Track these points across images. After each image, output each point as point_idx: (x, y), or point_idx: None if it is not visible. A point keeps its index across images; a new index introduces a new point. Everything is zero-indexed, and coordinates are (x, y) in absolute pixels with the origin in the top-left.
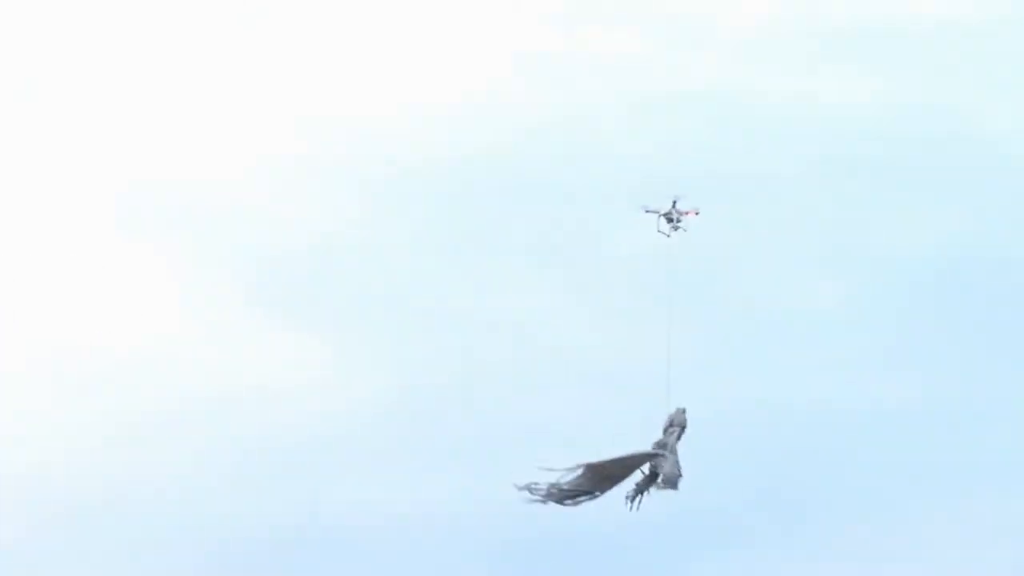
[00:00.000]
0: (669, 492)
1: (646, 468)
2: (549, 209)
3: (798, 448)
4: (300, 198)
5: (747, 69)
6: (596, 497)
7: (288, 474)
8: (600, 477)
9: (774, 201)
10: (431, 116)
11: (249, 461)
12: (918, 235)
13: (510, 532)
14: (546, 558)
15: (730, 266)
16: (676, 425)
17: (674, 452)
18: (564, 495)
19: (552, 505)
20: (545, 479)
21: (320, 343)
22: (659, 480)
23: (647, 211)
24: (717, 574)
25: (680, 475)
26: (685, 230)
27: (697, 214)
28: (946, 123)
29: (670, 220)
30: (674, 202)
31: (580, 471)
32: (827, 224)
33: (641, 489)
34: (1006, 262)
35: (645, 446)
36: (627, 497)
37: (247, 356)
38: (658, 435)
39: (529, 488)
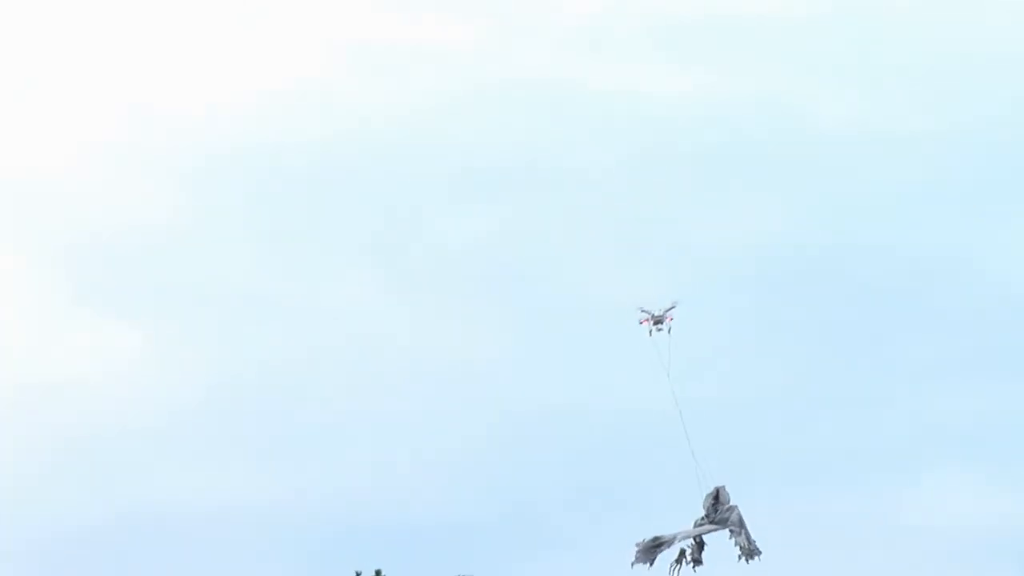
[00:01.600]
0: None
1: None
2: (379, 199)
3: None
4: (118, 186)
5: (577, 61)
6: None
7: (105, 464)
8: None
9: (592, 191)
10: (263, 105)
11: (65, 451)
12: (736, 227)
13: (329, 524)
14: (365, 549)
15: (551, 255)
16: (725, 502)
17: (743, 526)
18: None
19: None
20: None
21: (137, 332)
22: (739, 553)
23: (642, 311)
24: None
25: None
26: (669, 331)
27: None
28: (771, 116)
29: (658, 322)
30: (668, 308)
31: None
32: (643, 215)
33: (682, 557)
34: (827, 252)
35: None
36: (673, 563)
37: (62, 344)
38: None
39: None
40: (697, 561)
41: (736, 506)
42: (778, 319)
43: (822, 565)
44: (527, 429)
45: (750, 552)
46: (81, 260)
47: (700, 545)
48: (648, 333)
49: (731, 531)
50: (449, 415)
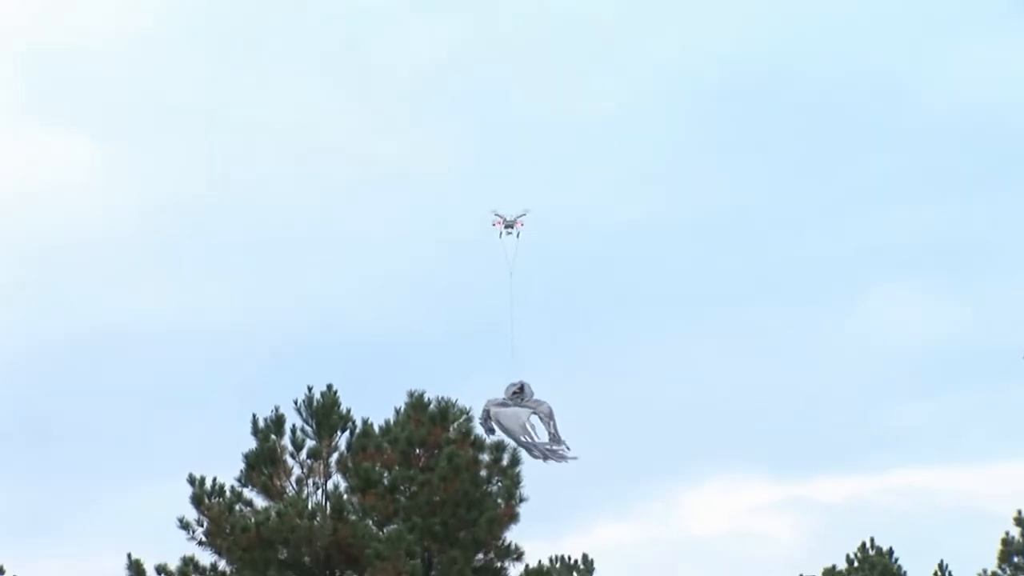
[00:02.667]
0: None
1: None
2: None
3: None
4: None
5: None
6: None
7: (55, 280)
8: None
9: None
10: None
11: (17, 266)
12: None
13: (282, 339)
14: (318, 364)
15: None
16: (529, 396)
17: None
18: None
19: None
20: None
21: (87, 144)
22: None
23: (496, 214)
24: None
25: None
26: (518, 236)
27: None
28: None
29: (509, 226)
30: (520, 215)
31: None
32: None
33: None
34: (771, 71)
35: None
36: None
37: (8, 156)
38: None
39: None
40: None
41: (546, 401)
42: (723, 139)
43: (770, 378)
44: (480, 243)
45: (556, 446)
46: (31, 69)
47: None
48: (499, 235)
49: (540, 417)
50: (403, 230)
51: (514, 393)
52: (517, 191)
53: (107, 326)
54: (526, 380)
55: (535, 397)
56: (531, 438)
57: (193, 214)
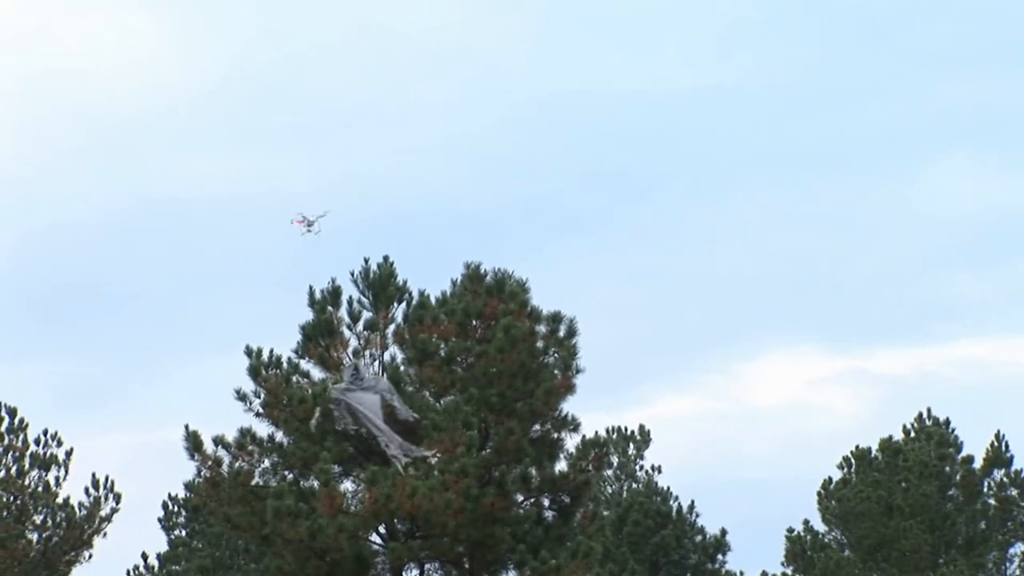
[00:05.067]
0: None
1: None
2: None
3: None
4: None
5: None
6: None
7: (122, 150)
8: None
9: None
10: None
11: (84, 137)
12: None
13: (341, 210)
14: (376, 236)
15: None
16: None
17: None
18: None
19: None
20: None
21: (147, 20)
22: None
23: (301, 214)
24: None
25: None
26: (317, 232)
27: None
28: None
29: (310, 225)
30: (320, 216)
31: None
32: None
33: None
34: None
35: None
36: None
37: (68, 32)
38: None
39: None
40: None
41: (382, 378)
42: (786, 8)
43: (831, 249)
44: (540, 114)
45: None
46: None
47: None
48: (300, 233)
49: (383, 395)
50: (463, 102)
51: (352, 375)
52: (579, 62)
53: (170, 198)
54: (358, 361)
55: (370, 375)
56: (382, 429)
57: (256, 87)
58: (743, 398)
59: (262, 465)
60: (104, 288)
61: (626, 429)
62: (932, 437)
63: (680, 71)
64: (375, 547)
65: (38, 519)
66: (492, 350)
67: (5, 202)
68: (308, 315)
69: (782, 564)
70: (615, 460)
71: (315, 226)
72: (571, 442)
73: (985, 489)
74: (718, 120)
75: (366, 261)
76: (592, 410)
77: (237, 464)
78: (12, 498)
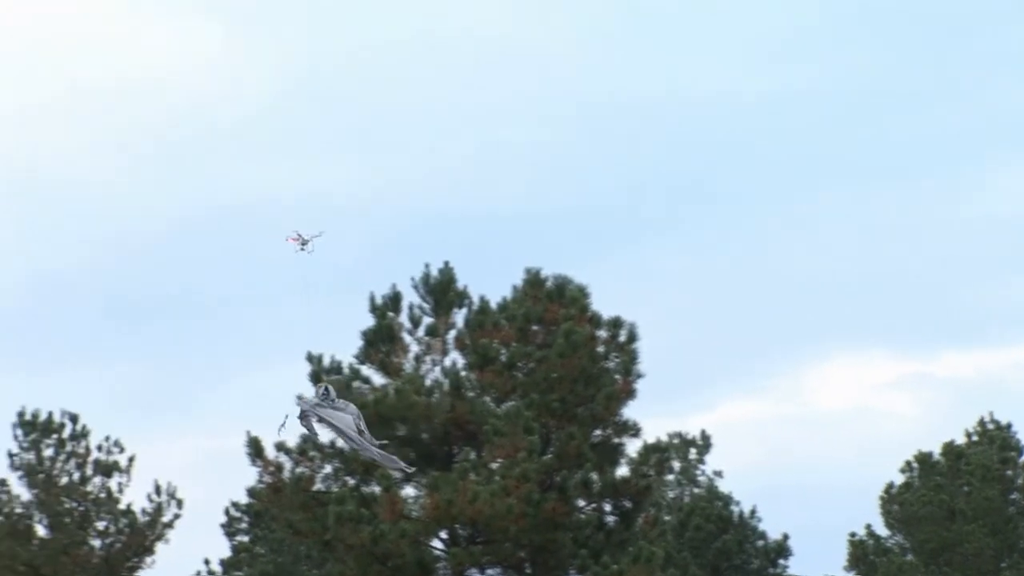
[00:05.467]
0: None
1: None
2: None
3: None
4: None
5: None
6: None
7: (191, 158)
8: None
9: None
10: None
11: (143, 148)
12: None
13: (407, 213)
14: (440, 238)
15: None
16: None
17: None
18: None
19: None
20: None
21: (213, 26)
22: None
23: (296, 232)
24: None
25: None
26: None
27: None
28: None
29: (305, 243)
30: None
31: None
32: None
33: None
34: None
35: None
36: None
37: (139, 40)
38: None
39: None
40: None
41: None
42: (849, 14)
43: (895, 254)
44: (611, 120)
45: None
46: None
47: None
48: (295, 251)
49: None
50: (529, 104)
51: (323, 395)
52: (648, 67)
53: (239, 204)
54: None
55: (339, 400)
56: (360, 440)
57: (324, 90)
58: (808, 402)
59: (323, 470)
60: (169, 295)
61: (687, 434)
62: (995, 441)
63: (750, 77)
64: (436, 552)
65: (100, 525)
66: (553, 355)
67: (81, 208)
68: (369, 321)
69: (844, 569)
70: (676, 465)
71: (309, 245)
72: (632, 447)
73: None
74: (787, 125)
75: (426, 266)
76: (654, 415)
77: (299, 470)
78: (75, 505)
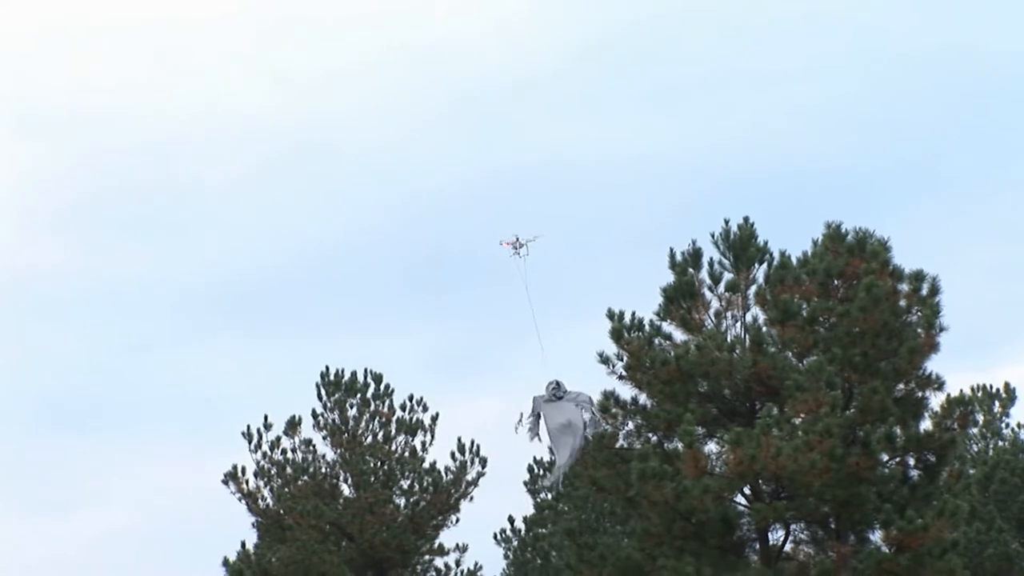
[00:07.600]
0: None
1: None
2: None
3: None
4: None
5: None
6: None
7: (481, 122)
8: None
9: None
10: None
11: (439, 110)
12: None
13: (706, 174)
14: (740, 197)
15: None
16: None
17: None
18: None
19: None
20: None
21: None
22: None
23: (513, 236)
24: None
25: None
26: (527, 254)
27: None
28: None
29: (520, 247)
30: (531, 240)
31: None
32: None
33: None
34: None
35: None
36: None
37: (434, 4)
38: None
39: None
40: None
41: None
42: None
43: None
44: (912, 73)
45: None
46: None
47: None
48: (509, 255)
49: (583, 406)
50: (837, 63)
51: (553, 390)
52: (954, 19)
53: (536, 165)
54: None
55: (572, 391)
56: (557, 440)
57: (621, 51)
58: None
59: (626, 428)
60: (472, 256)
61: (991, 387)
62: None
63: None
64: (740, 508)
65: (405, 484)
66: (854, 310)
67: (374, 175)
68: (669, 278)
69: None
70: (980, 418)
71: (523, 249)
72: (935, 401)
73: None
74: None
75: (726, 222)
76: (959, 370)
77: (602, 427)
78: (379, 463)
